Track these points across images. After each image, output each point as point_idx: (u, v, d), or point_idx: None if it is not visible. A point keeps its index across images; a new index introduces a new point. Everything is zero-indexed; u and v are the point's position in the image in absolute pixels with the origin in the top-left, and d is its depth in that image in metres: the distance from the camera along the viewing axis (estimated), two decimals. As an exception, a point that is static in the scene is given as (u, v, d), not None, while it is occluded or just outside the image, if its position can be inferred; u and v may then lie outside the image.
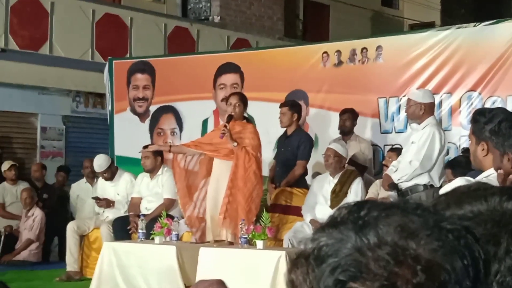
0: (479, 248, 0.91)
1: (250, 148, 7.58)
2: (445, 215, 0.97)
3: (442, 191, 2.68)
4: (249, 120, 8.11)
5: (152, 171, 9.12)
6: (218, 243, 7.48)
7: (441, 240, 0.89)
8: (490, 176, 3.28)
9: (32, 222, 10.54)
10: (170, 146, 8.22)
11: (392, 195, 7.30)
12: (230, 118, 7.71)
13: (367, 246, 0.88)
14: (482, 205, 1.12)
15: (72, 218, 10.49)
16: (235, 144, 7.52)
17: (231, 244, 7.46)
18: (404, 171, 6.88)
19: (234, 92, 8.76)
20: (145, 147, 9.22)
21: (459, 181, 3.16)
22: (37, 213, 10.57)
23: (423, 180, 6.89)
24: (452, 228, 0.91)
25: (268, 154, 8.87)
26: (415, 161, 6.84)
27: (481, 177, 3.37)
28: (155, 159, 9.04)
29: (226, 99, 8.14)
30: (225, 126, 7.61)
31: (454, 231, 0.91)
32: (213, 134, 8.06)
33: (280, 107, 8.73)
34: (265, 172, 8.79)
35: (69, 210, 11.23)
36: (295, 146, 8.50)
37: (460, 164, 6.29)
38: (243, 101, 7.84)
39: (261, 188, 7.73)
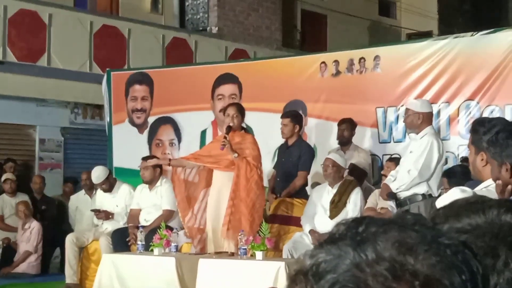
0: (477, 263, 0.91)
1: (251, 158, 7.59)
2: (443, 230, 0.97)
3: (437, 202, 2.68)
4: (248, 130, 8.12)
5: (151, 183, 9.13)
6: (218, 254, 7.46)
7: (439, 255, 0.89)
8: (489, 186, 3.28)
9: (29, 234, 10.53)
10: (170, 160, 8.21)
11: (390, 204, 7.31)
12: (229, 129, 7.71)
13: (365, 262, 0.88)
14: (480, 218, 1.13)
15: (71, 230, 10.48)
16: (236, 155, 7.53)
17: (232, 255, 7.44)
18: (403, 180, 6.89)
19: (231, 103, 8.76)
20: (145, 158, 9.22)
21: (454, 191, 3.16)
22: (33, 225, 10.57)
23: (421, 189, 6.89)
24: (450, 243, 0.91)
25: (267, 164, 8.86)
26: (413, 171, 6.84)
27: (480, 188, 3.37)
28: (154, 171, 9.04)
29: (223, 110, 8.14)
30: (225, 137, 7.61)
31: (452, 246, 0.91)
32: (211, 146, 8.05)
33: (282, 117, 8.72)
34: (265, 182, 8.79)
35: (69, 221, 11.22)
36: (296, 156, 8.50)
37: (456, 174, 6.30)
38: (241, 111, 7.85)
39: (263, 198, 7.75)
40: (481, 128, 3.42)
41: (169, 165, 8.19)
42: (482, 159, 3.39)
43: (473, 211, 1.13)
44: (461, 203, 1.18)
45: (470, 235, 1.10)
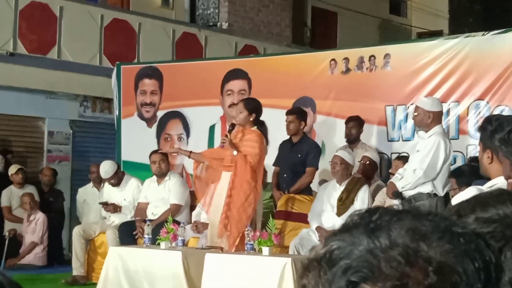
0: (490, 253, 0.91)
1: (250, 156, 7.51)
2: (456, 220, 0.97)
3: (453, 201, 2.68)
4: (260, 126, 7.82)
5: (163, 176, 9.13)
6: (223, 250, 7.46)
7: (452, 243, 0.89)
8: (495, 185, 3.28)
9: (34, 226, 10.57)
10: (191, 152, 8.13)
11: (396, 203, 7.30)
12: (232, 127, 7.68)
13: (379, 248, 0.89)
14: (508, 208, 1.13)
15: (78, 222, 10.52)
16: (235, 152, 7.47)
17: (221, 250, 7.44)
18: (408, 179, 6.88)
19: (242, 98, 8.72)
20: (155, 151, 9.24)
21: (471, 190, 3.16)
22: (39, 216, 10.61)
23: (426, 188, 6.88)
24: (463, 232, 0.91)
25: (273, 161, 8.86)
26: (419, 170, 6.82)
27: (487, 186, 3.37)
28: (168, 163, 9.08)
29: (222, 105, 8.10)
30: (226, 135, 7.59)
31: (465, 235, 0.91)
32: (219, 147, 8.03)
33: (287, 114, 8.72)
34: (269, 178, 8.80)
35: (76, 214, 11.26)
36: (304, 153, 8.49)
37: (464, 173, 6.28)
38: (248, 107, 7.67)
39: (256, 199, 7.59)
40: (489, 126, 3.44)
41: (189, 157, 8.13)
42: (489, 157, 3.40)
43: (500, 201, 1.14)
44: (486, 195, 1.18)
45: (499, 224, 1.11)
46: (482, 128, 3.51)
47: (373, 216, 0.93)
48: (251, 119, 7.63)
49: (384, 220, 0.92)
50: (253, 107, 7.70)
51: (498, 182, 3.31)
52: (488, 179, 3.50)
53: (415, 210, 0.95)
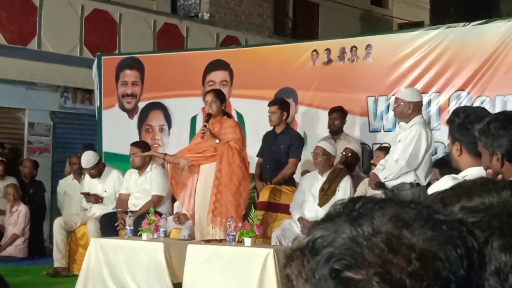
0: (472, 240, 0.91)
1: (233, 142, 7.56)
2: (439, 208, 0.97)
3: (430, 190, 2.70)
4: (230, 115, 8.05)
5: (141, 168, 9.11)
6: (208, 242, 7.45)
7: (435, 230, 0.89)
8: (466, 177, 3.30)
9: (16, 217, 10.52)
10: (165, 155, 8.13)
11: (379, 194, 7.32)
12: (209, 116, 7.71)
13: (361, 235, 0.89)
14: (493, 197, 1.13)
15: (59, 214, 10.46)
16: (217, 141, 7.50)
17: (221, 241, 7.44)
18: (390, 169, 6.91)
19: (209, 90, 8.72)
20: (134, 144, 9.21)
21: (446, 180, 3.18)
22: (21, 208, 10.56)
23: (409, 178, 6.91)
24: (446, 220, 0.91)
25: (257, 152, 8.87)
26: (401, 160, 6.86)
27: (461, 176, 3.39)
28: (145, 157, 9.02)
29: (203, 98, 8.12)
30: (204, 125, 7.61)
31: (448, 223, 0.91)
32: (195, 140, 8.03)
33: (269, 105, 8.72)
34: (252, 169, 8.79)
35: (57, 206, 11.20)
36: (286, 144, 8.50)
37: (447, 163, 6.30)
38: (219, 97, 7.79)
39: (248, 182, 7.70)
40: (456, 119, 3.46)
41: (164, 159, 8.15)
42: (458, 149, 3.43)
43: (485, 191, 1.14)
44: (470, 184, 1.18)
45: (485, 214, 1.11)
46: (450, 121, 3.54)
47: (356, 205, 0.93)
48: (222, 108, 7.75)
49: (367, 208, 0.92)
50: (223, 96, 7.89)
51: (470, 173, 3.34)
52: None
53: (398, 198, 0.95)
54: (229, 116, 7.93)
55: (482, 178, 1.22)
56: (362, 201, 0.94)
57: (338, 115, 8.66)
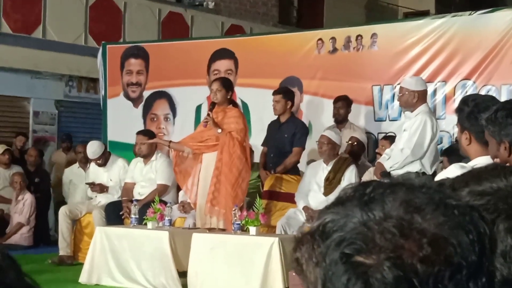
0: (484, 225, 0.91)
1: (235, 132, 7.53)
2: (450, 193, 0.97)
3: (437, 178, 2.70)
4: (236, 104, 8.01)
5: (147, 157, 9.11)
6: (211, 230, 7.46)
7: (446, 215, 0.89)
8: (476, 166, 3.29)
9: (22, 206, 10.54)
10: (170, 142, 8.14)
11: (385, 182, 7.30)
12: (213, 105, 7.69)
13: (373, 220, 0.88)
14: (501, 181, 1.14)
15: (64, 203, 10.48)
16: (219, 130, 7.48)
17: (223, 231, 7.45)
18: (396, 158, 6.89)
19: (216, 78, 8.70)
20: (139, 132, 9.21)
21: (454, 168, 3.17)
22: (27, 197, 10.58)
23: (414, 167, 6.90)
24: (458, 205, 0.91)
25: (261, 141, 8.86)
26: (406, 149, 6.84)
27: (469, 166, 3.38)
28: (151, 145, 9.03)
29: (209, 86, 8.10)
30: (208, 114, 7.60)
31: (460, 207, 0.90)
32: (199, 128, 8.02)
33: (274, 94, 8.70)
34: (256, 158, 8.79)
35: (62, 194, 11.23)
36: (291, 133, 8.49)
37: (456, 152, 6.29)
38: (225, 85, 7.74)
39: (248, 174, 7.66)
40: (465, 107, 3.44)
41: (169, 147, 8.15)
42: (467, 138, 3.42)
43: (494, 175, 1.14)
44: (480, 169, 1.19)
45: (492, 197, 1.11)
46: (459, 110, 3.52)
47: (367, 189, 0.92)
48: (228, 97, 7.71)
49: (378, 193, 0.91)
50: (229, 85, 7.83)
51: (479, 162, 3.32)
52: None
53: (409, 182, 0.94)
54: (235, 105, 7.89)
55: (493, 164, 1.22)
56: (373, 185, 0.93)
57: (343, 104, 8.64)
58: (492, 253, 0.91)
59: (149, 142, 8.83)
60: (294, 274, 0.94)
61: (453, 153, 6.32)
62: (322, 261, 0.88)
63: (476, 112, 3.40)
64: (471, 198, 1.11)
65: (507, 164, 3.07)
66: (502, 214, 1.09)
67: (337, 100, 8.69)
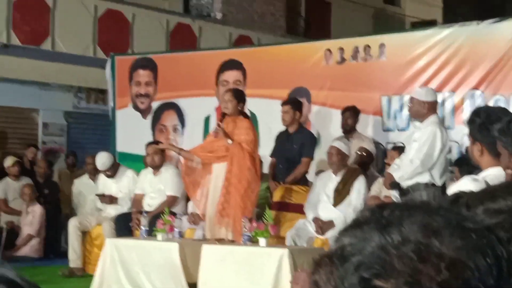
0: (501, 248, 0.91)
1: (245, 144, 7.54)
2: (467, 215, 0.97)
3: (450, 190, 2.70)
4: (247, 116, 8.01)
5: (159, 168, 9.11)
6: (220, 241, 7.46)
7: (464, 238, 0.89)
8: (487, 177, 3.30)
9: (32, 218, 10.56)
10: (181, 149, 8.15)
11: (394, 194, 7.30)
12: (224, 116, 7.69)
13: (391, 244, 0.89)
14: None
15: (74, 214, 10.51)
16: (230, 141, 7.49)
17: (232, 242, 7.44)
18: (405, 169, 6.88)
19: (228, 88, 8.72)
20: (150, 143, 9.23)
21: (466, 181, 3.17)
22: (36, 209, 10.60)
23: (424, 178, 6.89)
24: (475, 228, 0.91)
25: (270, 152, 8.86)
26: (415, 160, 6.83)
27: (481, 177, 3.38)
28: (163, 156, 9.06)
29: (217, 97, 8.11)
30: (218, 124, 7.60)
31: (477, 231, 0.91)
32: (209, 138, 8.02)
33: (282, 105, 8.72)
34: (265, 169, 8.79)
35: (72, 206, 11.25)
36: (299, 144, 8.50)
37: (467, 162, 6.29)
38: (237, 96, 7.74)
39: (257, 185, 7.64)
40: (477, 119, 3.44)
41: (179, 154, 8.15)
42: (479, 150, 3.41)
43: (509, 193, 1.14)
44: (496, 187, 1.19)
45: (508, 215, 1.11)
46: (470, 121, 3.52)
47: (384, 212, 0.93)
48: (239, 108, 7.70)
49: (395, 216, 0.92)
50: (241, 96, 7.81)
51: (491, 173, 3.32)
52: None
53: (426, 205, 0.95)
54: (246, 116, 7.88)
55: (507, 182, 1.23)
56: (390, 207, 0.94)
57: (351, 114, 8.65)
58: (510, 276, 0.91)
59: (160, 147, 8.82)
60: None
61: (464, 163, 6.32)
62: (341, 285, 0.89)
63: (487, 123, 3.40)
64: (486, 216, 1.11)
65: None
66: None
67: (345, 110, 8.70)
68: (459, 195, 1.24)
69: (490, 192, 1.19)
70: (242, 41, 15.13)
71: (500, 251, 0.91)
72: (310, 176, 8.67)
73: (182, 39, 14.52)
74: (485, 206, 1.15)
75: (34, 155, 11.89)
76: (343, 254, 0.91)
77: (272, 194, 8.54)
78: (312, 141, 8.62)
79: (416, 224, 0.90)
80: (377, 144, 8.78)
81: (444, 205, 0.95)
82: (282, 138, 8.74)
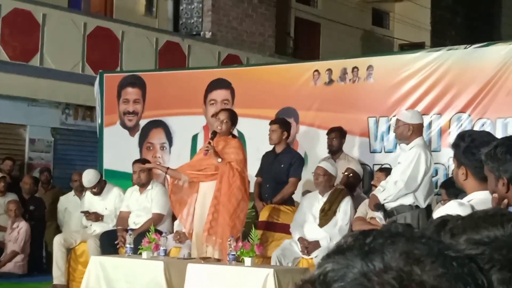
0: (482, 277, 0.92)
1: (235, 163, 7.56)
2: (449, 244, 0.98)
3: (436, 214, 2.71)
4: (234, 135, 8.06)
5: (145, 186, 9.10)
6: (206, 260, 7.45)
7: (445, 267, 0.90)
8: (471, 201, 3.31)
9: (17, 234, 10.50)
10: (168, 168, 8.15)
11: (378, 215, 7.32)
12: (214, 134, 7.72)
13: (372, 271, 0.89)
14: (498, 230, 1.15)
15: (59, 231, 10.45)
16: (219, 160, 7.51)
17: (218, 261, 7.44)
18: (389, 191, 6.92)
19: (224, 108, 8.75)
20: (136, 161, 9.22)
21: (452, 204, 3.18)
22: (22, 225, 10.54)
23: (408, 200, 6.92)
24: (456, 256, 0.92)
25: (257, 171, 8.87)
26: (400, 182, 6.87)
27: (466, 200, 3.40)
28: (149, 174, 9.05)
29: (215, 114, 8.13)
30: (209, 142, 7.62)
31: (459, 259, 0.92)
32: (197, 157, 8.04)
33: (271, 124, 8.74)
34: (252, 188, 8.79)
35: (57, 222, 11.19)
36: (287, 164, 8.51)
37: (454, 184, 6.32)
38: (232, 118, 7.81)
39: (246, 204, 7.68)
40: (461, 143, 3.46)
41: (166, 173, 8.15)
42: (463, 173, 3.43)
43: (492, 223, 1.15)
44: (480, 215, 1.20)
45: (488, 247, 1.12)
46: (455, 145, 3.53)
47: (367, 239, 0.94)
48: (231, 130, 7.76)
49: (378, 243, 0.93)
50: (235, 119, 7.88)
51: (477, 197, 3.34)
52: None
53: (409, 232, 0.96)
54: (234, 136, 7.93)
55: (494, 209, 1.24)
56: (373, 235, 0.95)
57: (337, 134, 8.67)
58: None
59: (147, 167, 8.83)
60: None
61: (450, 186, 6.34)
62: (323, 311, 0.90)
63: (472, 147, 3.42)
64: (467, 246, 1.12)
65: (505, 200, 3.09)
66: (496, 265, 1.10)
67: (330, 131, 8.73)
68: (446, 219, 1.25)
69: (474, 221, 1.20)
70: (231, 60, 15.18)
71: (481, 280, 0.92)
72: (296, 196, 8.68)
73: (171, 58, 14.55)
74: (467, 236, 1.16)
75: (10, 168, 11.77)
76: (325, 280, 0.91)
77: (259, 213, 8.54)
78: (300, 161, 8.64)
79: (398, 251, 0.91)
80: (363, 165, 8.80)
81: (426, 233, 0.96)
82: (269, 158, 8.75)
